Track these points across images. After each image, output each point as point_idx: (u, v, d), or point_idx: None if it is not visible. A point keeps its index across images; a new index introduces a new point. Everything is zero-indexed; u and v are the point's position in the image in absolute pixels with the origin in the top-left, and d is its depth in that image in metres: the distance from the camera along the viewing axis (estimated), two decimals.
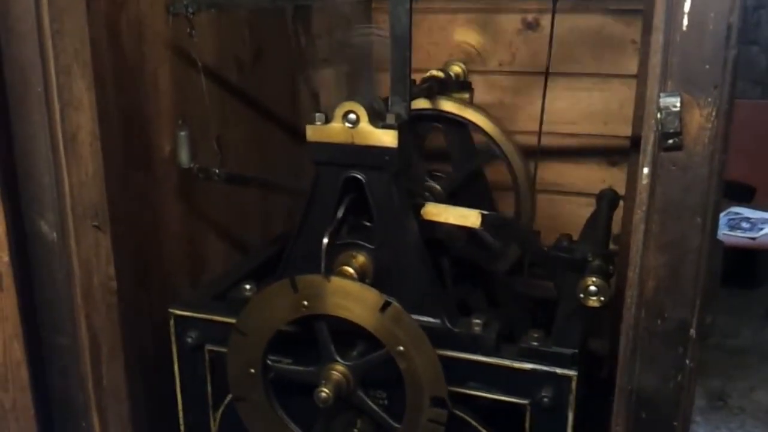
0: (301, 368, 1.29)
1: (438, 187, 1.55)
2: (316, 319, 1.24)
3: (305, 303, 1.22)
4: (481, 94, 1.78)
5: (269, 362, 1.29)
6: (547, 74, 1.52)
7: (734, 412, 2.70)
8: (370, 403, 1.26)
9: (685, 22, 0.95)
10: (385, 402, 1.29)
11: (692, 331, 1.05)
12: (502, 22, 2.01)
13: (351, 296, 1.19)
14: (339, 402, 1.23)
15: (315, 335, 1.25)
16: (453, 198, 1.53)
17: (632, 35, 1.91)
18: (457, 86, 1.67)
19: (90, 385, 1.35)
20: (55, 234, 1.26)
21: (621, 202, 1.79)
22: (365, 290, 1.19)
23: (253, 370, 1.28)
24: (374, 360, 1.22)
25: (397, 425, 1.24)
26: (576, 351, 1.21)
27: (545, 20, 1.96)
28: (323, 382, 1.21)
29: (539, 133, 1.49)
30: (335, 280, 1.20)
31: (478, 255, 1.55)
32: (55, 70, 1.19)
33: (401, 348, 1.17)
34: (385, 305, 1.17)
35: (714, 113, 0.96)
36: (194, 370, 1.44)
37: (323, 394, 1.19)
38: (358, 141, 1.21)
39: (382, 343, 1.19)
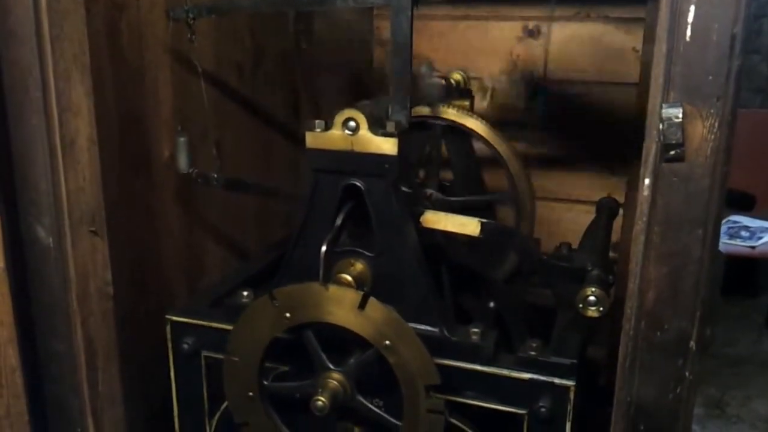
0: (297, 383, 1.29)
1: (438, 194, 1.55)
2: (302, 329, 1.23)
3: (287, 315, 1.21)
4: (481, 102, 1.78)
5: (265, 382, 1.28)
6: (543, 81, 1.52)
7: (732, 420, 2.69)
8: (370, 406, 1.25)
9: (689, 32, 0.94)
10: (382, 409, 1.28)
11: (692, 343, 1.04)
12: (504, 29, 2.01)
13: (329, 299, 1.18)
14: (338, 410, 1.22)
15: (304, 346, 1.24)
16: (453, 205, 1.52)
17: (633, 43, 1.92)
18: (458, 94, 1.67)
19: (85, 391, 1.34)
20: (51, 239, 1.25)
21: (621, 211, 1.78)
22: (341, 290, 1.19)
23: (251, 393, 1.28)
24: (365, 360, 1.22)
25: (398, 423, 1.23)
26: (574, 361, 1.20)
27: (546, 28, 1.96)
28: (319, 391, 1.20)
29: (537, 142, 1.49)
30: (311, 286, 1.19)
31: (477, 263, 1.54)
32: (53, 75, 1.18)
33: (388, 342, 1.17)
34: (363, 301, 1.16)
35: (716, 124, 0.95)
36: (190, 377, 1.43)
37: (319, 403, 1.18)
38: (358, 148, 1.21)
39: (370, 342, 1.19)
